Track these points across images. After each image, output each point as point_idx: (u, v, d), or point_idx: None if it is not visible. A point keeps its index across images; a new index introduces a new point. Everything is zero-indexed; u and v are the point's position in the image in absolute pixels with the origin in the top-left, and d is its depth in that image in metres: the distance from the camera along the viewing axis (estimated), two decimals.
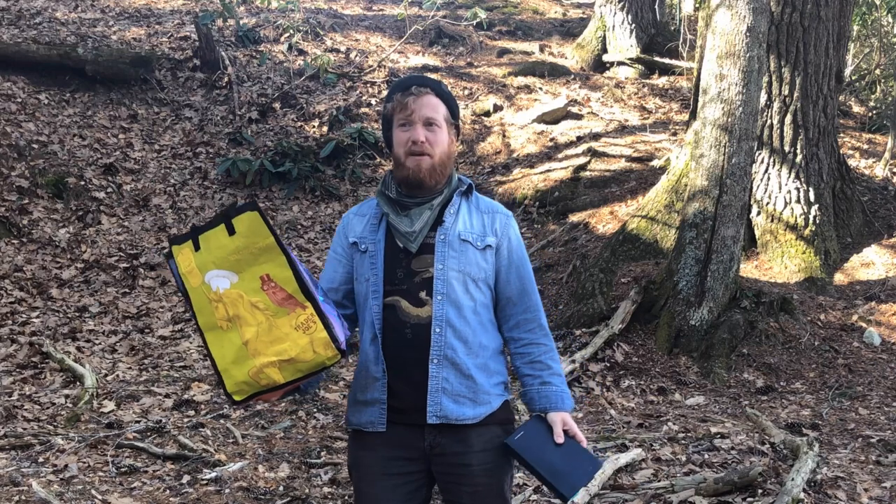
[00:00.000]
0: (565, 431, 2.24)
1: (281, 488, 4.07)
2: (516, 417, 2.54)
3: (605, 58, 11.74)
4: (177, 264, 2.11)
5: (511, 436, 2.23)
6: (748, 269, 7.05)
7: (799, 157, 7.35)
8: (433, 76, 11.29)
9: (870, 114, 10.76)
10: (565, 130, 9.77)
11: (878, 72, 12.00)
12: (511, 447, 2.20)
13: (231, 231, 2.06)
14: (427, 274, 2.23)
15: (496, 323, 2.35)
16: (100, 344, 6.18)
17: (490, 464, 2.26)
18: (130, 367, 5.81)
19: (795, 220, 7.25)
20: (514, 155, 9.48)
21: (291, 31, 11.38)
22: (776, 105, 7.36)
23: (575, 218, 8.20)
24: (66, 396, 5.23)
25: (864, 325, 6.37)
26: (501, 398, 2.33)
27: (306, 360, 2.02)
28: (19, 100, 9.09)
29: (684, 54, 11.23)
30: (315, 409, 5.15)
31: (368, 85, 10.64)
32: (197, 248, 2.08)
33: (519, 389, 2.41)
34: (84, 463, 4.28)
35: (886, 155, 8.73)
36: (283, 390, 2.09)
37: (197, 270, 2.08)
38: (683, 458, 4.38)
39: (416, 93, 2.24)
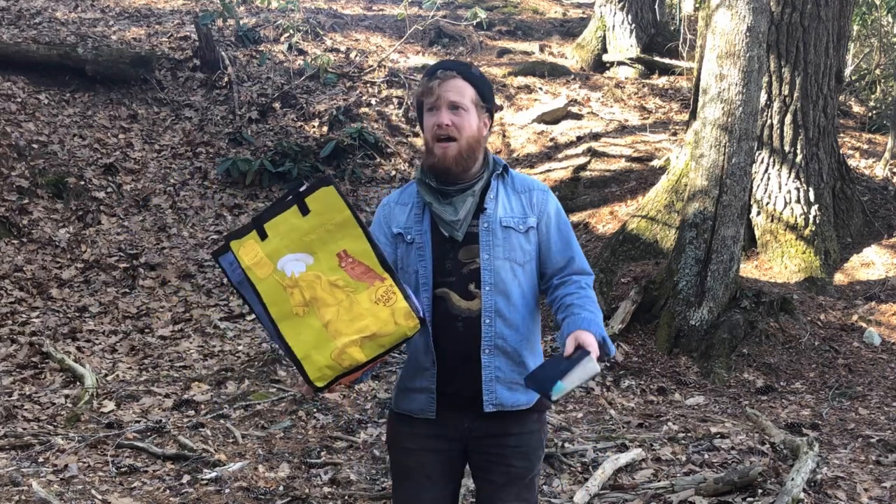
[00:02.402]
0: (578, 347, 2.10)
1: (281, 488, 4.07)
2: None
3: (605, 58, 11.74)
4: (238, 259, 2.05)
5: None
6: (748, 269, 7.05)
7: (799, 157, 7.35)
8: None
9: (870, 114, 10.76)
10: (565, 130, 9.77)
11: (878, 72, 12.00)
12: (526, 378, 2.14)
13: (305, 211, 2.03)
14: (474, 265, 2.25)
15: (538, 300, 2.36)
16: (100, 344, 6.18)
17: (525, 447, 2.31)
18: (130, 367, 5.81)
19: (795, 220, 7.25)
20: (514, 155, 9.48)
21: (291, 31, 11.38)
22: (776, 105, 7.36)
23: (575, 218, 8.20)
24: (66, 396, 5.23)
25: (864, 325, 6.37)
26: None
27: (388, 333, 2.01)
28: (19, 100, 9.09)
29: (684, 54, 11.23)
30: (315, 409, 5.15)
31: (368, 85, 10.64)
32: (263, 236, 2.04)
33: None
34: (84, 463, 4.28)
35: (886, 155, 8.73)
36: (361, 371, 2.07)
37: (267, 259, 2.03)
38: (683, 458, 4.38)
39: (441, 76, 2.25)
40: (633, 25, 11.58)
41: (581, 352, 2.08)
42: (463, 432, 2.30)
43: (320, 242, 2.03)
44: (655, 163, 8.65)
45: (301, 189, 2.04)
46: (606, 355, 2.17)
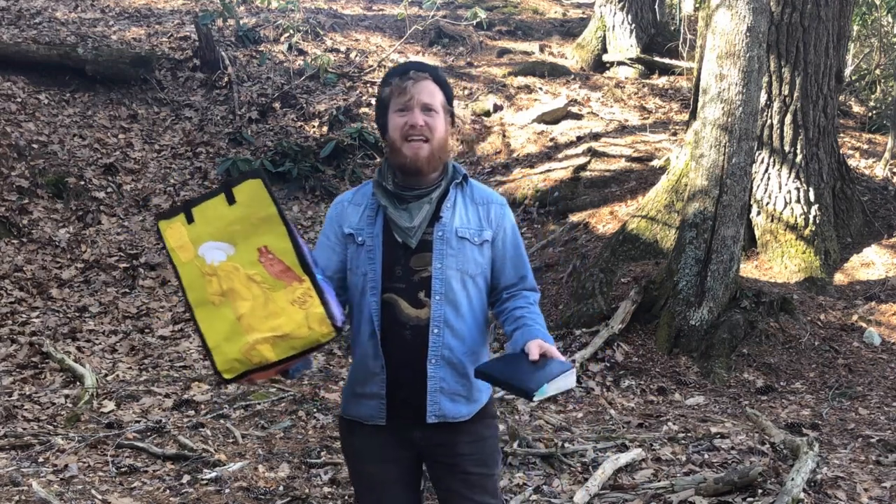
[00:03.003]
0: (542, 355, 2.13)
1: (281, 488, 4.07)
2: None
3: (605, 58, 11.74)
4: (164, 239, 2.04)
5: (484, 363, 2.20)
6: (748, 269, 7.05)
7: (799, 157, 7.35)
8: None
9: (870, 114, 10.76)
10: (565, 130, 9.77)
11: (878, 72, 12.00)
12: (480, 369, 2.14)
13: (231, 200, 2.01)
14: (425, 273, 2.22)
15: (487, 315, 2.36)
16: (100, 344, 6.18)
17: (479, 454, 2.30)
18: (130, 367, 5.81)
19: (795, 220, 7.25)
20: (514, 155, 9.48)
21: (291, 31, 11.38)
22: (776, 105, 7.36)
23: (575, 218, 8.20)
24: (66, 396, 5.23)
25: (864, 325, 6.37)
26: (489, 393, 2.37)
27: (301, 337, 1.97)
28: (19, 100, 9.09)
29: (684, 54, 11.23)
30: (315, 409, 5.15)
31: (368, 85, 10.64)
32: (190, 220, 2.03)
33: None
34: (84, 463, 4.28)
35: (886, 155, 8.73)
36: (274, 370, 2.03)
37: (190, 244, 2.02)
38: (683, 458, 4.38)
39: (414, 77, 2.22)
40: (633, 25, 11.58)
41: (559, 362, 2.08)
42: (414, 441, 2.28)
43: (243, 234, 2.00)
44: (655, 163, 8.65)
45: (232, 178, 2.04)
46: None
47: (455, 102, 2.44)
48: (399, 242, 2.23)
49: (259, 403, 5.17)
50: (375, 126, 10.77)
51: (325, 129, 9.81)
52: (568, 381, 2.05)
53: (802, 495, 3.73)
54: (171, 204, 8.39)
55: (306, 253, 2.01)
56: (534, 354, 2.10)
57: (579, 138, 9.53)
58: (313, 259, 2.05)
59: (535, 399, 2.01)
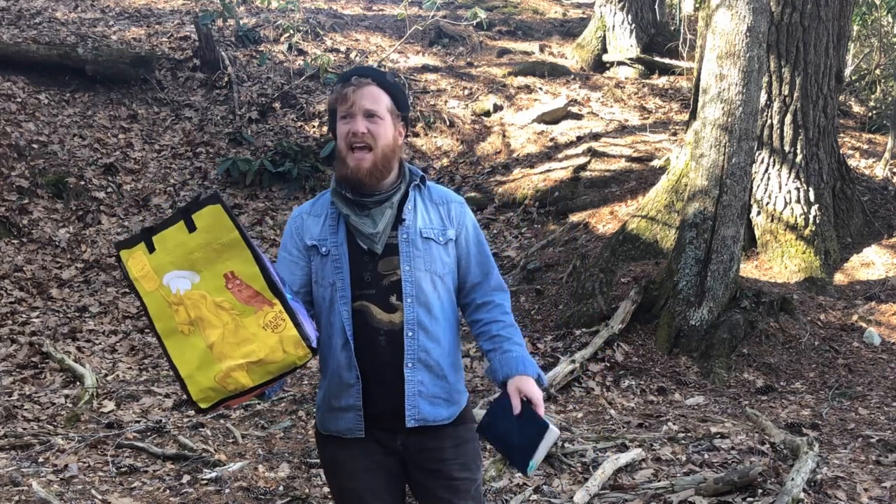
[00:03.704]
0: (524, 401, 2.19)
1: (281, 488, 4.07)
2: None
3: (605, 58, 11.74)
4: (126, 269, 1.99)
5: (481, 421, 2.25)
6: (748, 269, 7.05)
7: (799, 157, 7.35)
8: (433, 76, 11.32)
9: (870, 114, 10.76)
10: (565, 130, 9.77)
11: (878, 72, 12.00)
12: (480, 434, 2.25)
13: (192, 228, 1.96)
14: (395, 276, 2.20)
15: (458, 316, 2.35)
16: (100, 344, 6.18)
17: (463, 458, 2.28)
18: (130, 367, 5.81)
19: (795, 220, 7.25)
20: (514, 155, 9.48)
21: (291, 31, 11.38)
22: (776, 105, 7.36)
23: (575, 218, 8.20)
24: (66, 396, 5.23)
25: (864, 325, 6.37)
26: (466, 396, 2.37)
27: (276, 361, 1.94)
28: (19, 100, 9.09)
29: (684, 54, 11.23)
30: (315, 409, 5.15)
31: None
32: (151, 249, 1.97)
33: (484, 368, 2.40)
34: (84, 463, 4.29)
35: (886, 155, 8.73)
36: (249, 395, 2.00)
37: (153, 273, 1.96)
38: (683, 458, 4.38)
39: (356, 83, 2.19)
40: (633, 25, 11.58)
41: (536, 421, 2.16)
42: (396, 449, 2.26)
43: (206, 261, 1.96)
44: (655, 163, 8.65)
45: (190, 204, 1.97)
46: (543, 389, 2.26)
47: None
48: (364, 249, 2.21)
49: (259, 403, 5.17)
50: None
51: (325, 129, 9.81)
52: (550, 440, 2.15)
53: (802, 495, 3.73)
54: (171, 204, 8.39)
55: (274, 275, 1.97)
56: (516, 407, 2.18)
57: (579, 138, 9.53)
58: (282, 280, 2.01)
59: (528, 474, 2.15)
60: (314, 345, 1.96)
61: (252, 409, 5.12)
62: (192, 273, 1.96)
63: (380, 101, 2.20)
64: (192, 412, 5.05)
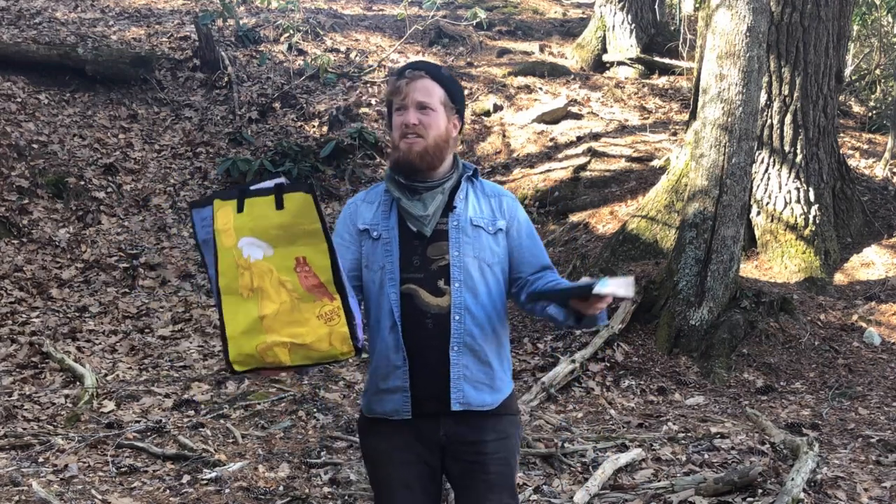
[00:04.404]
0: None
1: (281, 488, 4.07)
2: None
3: (605, 58, 11.73)
4: (214, 219, 2.05)
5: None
6: (748, 269, 7.05)
7: (799, 157, 7.35)
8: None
9: (870, 114, 10.76)
10: (565, 130, 9.77)
11: (878, 72, 11.99)
12: (535, 292, 2.23)
13: (280, 206, 2.01)
14: (443, 261, 2.25)
15: (506, 306, 2.37)
16: (100, 344, 6.18)
17: (503, 453, 2.30)
18: (130, 367, 5.81)
19: (795, 220, 7.25)
20: (514, 155, 9.48)
21: (291, 31, 11.38)
22: (776, 105, 7.36)
23: (575, 218, 8.20)
24: (66, 396, 5.23)
25: (864, 325, 6.38)
26: (511, 385, 2.38)
27: (320, 350, 2.01)
28: (19, 100, 9.09)
29: (684, 54, 11.23)
30: (315, 409, 5.15)
31: (368, 85, 10.64)
32: (240, 209, 2.03)
33: (546, 312, 2.33)
34: (84, 463, 4.28)
35: (886, 155, 8.73)
36: (286, 370, 2.09)
37: (233, 231, 2.02)
38: (683, 458, 4.38)
39: (409, 76, 2.26)
40: (633, 25, 11.57)
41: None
42: (439, 440, 2.28)
43: (283, 240, 2.02)
44: (655, 163, 8.65)
45: (284, 184, 2.03)
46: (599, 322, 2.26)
47: (460, 87, 2.42)
48: (414, 232, 2.26)
49: (259, 403, 5.17)
50: (375, 126, 10.82)
51: (325, 129, 9.81)
52: (628, 287, 2.07)
53: (802, 495, 3.73)
54: (171, 204, 8.39)
55: (343, 274, 2.03)
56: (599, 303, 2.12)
57: (579, 138, 9.53)
58: (348, 280, 2.07)
59: (595, 289, 2.04)
60: (360, 345, 2.03)
61: (252, 409, 5.12)
62: (267, 245, 2.02)
63: (433, 93, 2.26)
64: (191, 412, 5.05)
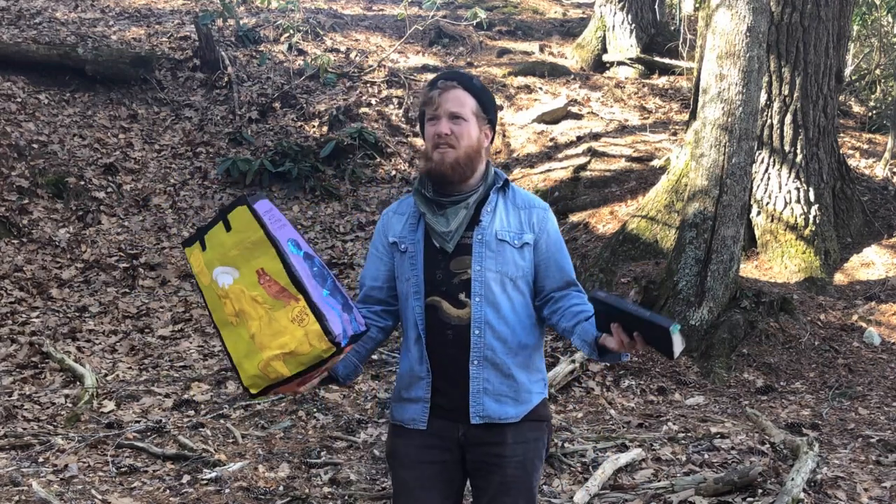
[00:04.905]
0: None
1: (281, 488, 4.07)
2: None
3: (605, 58, 11.73)
4: (190, 264, 2.17)
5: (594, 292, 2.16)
6: (748, 269, 7.05)
7: (799, 157, 7.35)
8: (433, 76, 11.28)
9: (870, 114, 10.76)
10: (565, 130, 9.77)
11: (878, 72, 11.99)
12: (597, 297, 2.12)
13: (228, 227, 2.10)
14: (465, 275, 2.26)
15: (535, 318, 2.36)
16: (100, 344, 6.18)
17: (521, 456, 2.30)
18: (130, 367, 5.81)
19: (795, 220, 7.25)
20: (514, 155, 9.48)
21: (291, 31, 11.38)
22: (776, 105, 7.36)
23: (575, 218, 8.20)
24: (66, 396, 5.23)
25: (864, 325, 6.37)
26: (541, 396, 2.37)
27: (305, 353, 2.05)
28: (19, 100, 9.09)
29: (684, 54, 11.23)
30: (315, 409, 5.15)
31: (368, 85, 10.64)
32: (203, 247, 2.13)
33: (572, 344, 2.34)
34: (84, 463, 4.29)
35: (886, 155, 8.73)
36: (295, 383, 2.12)
37: (206, 269, 2.13)
38: (683, 458, 4.38)
39: (441, 87, 2.28)
40: (633, 25, 11.57)
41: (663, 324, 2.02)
42: (458, 440, 2.29)
43: (242, 259, 2.10)
44: (655, 163, 8.65)
45: (226, 206, 2.12)
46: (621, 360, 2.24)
47: (492, 97, 2.44)
48: (438, 248, 2.28)
49: (259, 403, 5.17)
50: (375, 126, 10.79)
51: (325, 129, 9.81)
52: (681, 338, 2.02)
53: (802, 495, 3.73)
54: (171, 204, 8.40)
55: (298, 271, 2.06)
56: (617, 340, 2.08)
57: (579, 138, 9.53)
58: (320, 276, 2.11)
59: (673, 335, 1.98)
60: (338, 339, 2.05)
61: (252, 408, 5.12)
62: (232, 269, 2.11)
63: (465, 103, 2.28)
64: (191, 412, 5.05)
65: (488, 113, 2.33)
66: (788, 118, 7.36)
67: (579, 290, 2.37)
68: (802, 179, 7.33)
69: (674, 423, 4.95)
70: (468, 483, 2.40)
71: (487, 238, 2.27)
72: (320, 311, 2.04)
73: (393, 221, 2.38)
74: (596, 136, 9.56)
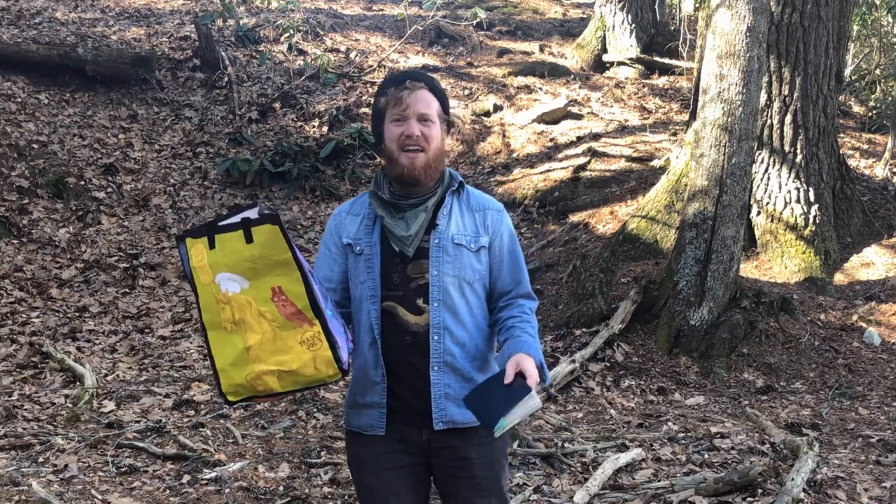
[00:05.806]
0: (518, 374, 2.11)
1: (281, 488, 4.07)
2: None
3: (605, 58, 11.73)
4: (189, 256, 2.09)
5: (470, 391, 2.19)
6: (748, 269, 7.05)
7: (799, 157, 7.35)
8: (434, 76, 11.30)
9: (870, 114, 10.76)
10: (565, 130, 9.77)
11: (878, 72, 11.99)
12: (466, 401, 2.15)
13: (249, 239, 2.04)
14: (423, 280, 2.23)
15: (489, 320, 2.34)
16: (100, 344, 6.18)
17: (488, 457, 2.28)
18: (130, 367, 5.81)
19: (795, 220, 7.25)
20: (514, 155, 9.48)
21: (291, 31, 11.37)
22: (776, 105, 7.36)
23: (575, 218, 8.20)
24: (66, 396, 5.23)
25: (864, 325, 6.37)
26: None
27: (306, 375, 2.04)
28: (19, 100, 9.09)
29: (684, 54, 11.23)
30: (315, 409, 5.15)
31: (368, 85, 10.64)
32: (212, 245, 2.07)
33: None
34: (84, 463, 4.28)
35: (886, 155, 8.73)
36: (279, 397, 2.11)
37: (208, 268, 2.06)
38: (683, 458, 4.38)
39: (410, 87, 2.23)
40: (633, 25, 11.57)
41: (522, 386, 2.08)
42: (422, 445, 2.27)
43: (257, 272, 2.05)
44: (655, 163, 8.65)
45: (252, 219, 2.05)
46: (543, 381, 2.19)
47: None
48: (396, 251, 2.24)
49: (259, 403, 5.17)
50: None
51: (325, 129, 9.81)
52: (529, 406, 2.07)
53: (802, 495, 3.73)
54: (171, 204, 8.39)
55: (319, 298, 2.05)
56: (509, 377, 2.10)
57: (579, 138, 9.53)
58: (325, 299, 2.09)
59: (496, 434, 2.07)
60: (345, 367, 2.05)
61: (252, 408, 5.12)
62: (242, 279, 2.06)
63: (431, 105, 2.25)
64: (191, 412, 5.05)
65: (447, 115, 2.31)
66: (788, 118, 7.36)
67: (523, 295, 2.33)
68: (802, 179, 7.33)
69: (674, 423, 4.95)
70: (433, 488, 2.37)
71: (444, 242, 2.23)
72: (334, 339, 2.03)
73: (347, 222, 2.32)
74: (596, 137, 9.56)
